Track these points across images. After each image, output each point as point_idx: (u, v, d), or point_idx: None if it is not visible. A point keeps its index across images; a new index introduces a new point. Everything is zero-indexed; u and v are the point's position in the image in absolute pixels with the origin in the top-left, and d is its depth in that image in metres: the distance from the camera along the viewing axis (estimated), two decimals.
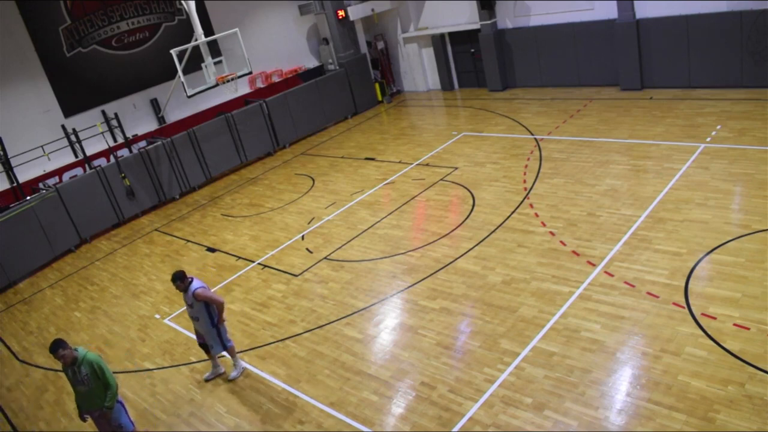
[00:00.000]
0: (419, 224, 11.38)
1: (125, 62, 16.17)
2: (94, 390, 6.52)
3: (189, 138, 16.15)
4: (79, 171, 15.35)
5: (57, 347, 6.44)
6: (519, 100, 17.36)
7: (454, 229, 10.80)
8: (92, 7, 15.37)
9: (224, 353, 8.22)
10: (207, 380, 8.26)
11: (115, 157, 15.19)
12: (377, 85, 20.68)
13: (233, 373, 8.18)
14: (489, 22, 17.81)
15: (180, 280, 7.69)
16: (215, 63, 15.36)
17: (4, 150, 13.87)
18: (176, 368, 8.78)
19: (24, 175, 14.43)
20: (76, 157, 15.37)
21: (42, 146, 14.63)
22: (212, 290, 7.91)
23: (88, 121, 15.48)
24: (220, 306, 7.76)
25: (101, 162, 15.55)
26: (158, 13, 16.68)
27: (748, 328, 6.76)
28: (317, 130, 19.24)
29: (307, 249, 11.41)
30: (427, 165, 14.12)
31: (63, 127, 15.08)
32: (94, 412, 6.72)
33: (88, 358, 6.48)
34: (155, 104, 16.81)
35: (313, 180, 15.05)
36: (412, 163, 14.47)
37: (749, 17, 13.16)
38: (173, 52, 14.15)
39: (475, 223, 10.82)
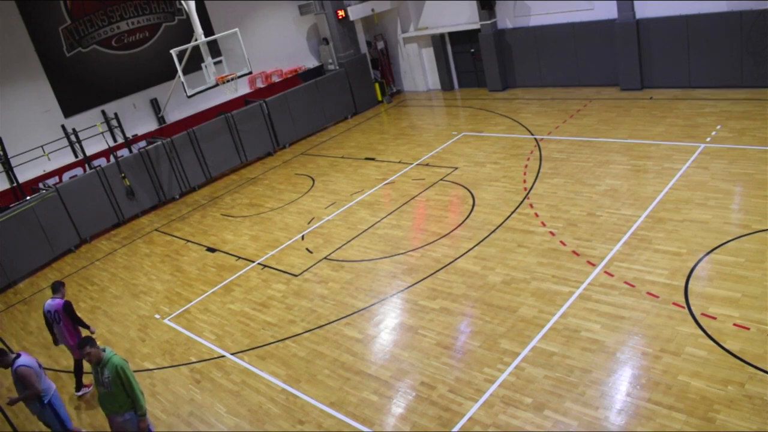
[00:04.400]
0: (419, 224, 11.38)
1: (125, 62, 16.17)
2: (113, 393, 6.43)
3: (189, 138, 16.14)
4: (79, 171, 15.35)
5: (84, 344, 6.33)
6: (519, 100, 17.36)
7: (454, 229, 10.79)
8: (92, 7, 15.37)
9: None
10: None
11: (115, 157, 15.18)
12: (377, 85, 20.68)
13: None
14: (489, 22, 17.80)
15: None
16: (215, 63, 15.36)
17: (4, 150, 13.87)
18: (176, 368, 8.79)
19: (24, 175, 14.43)
20: (76, 157, 15.37)
21: (42, 146, 14.63)
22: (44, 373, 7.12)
23: (88, 121, 15.49)
24: (33, 394, 6.86)
25: (101, 162, 15.55)
26: (158, 13, 16.68)
27: (748, 328, 6.76)
28: (317, 130, 19.24)
29: (307, 249, 11.41)
30: (427, 165, 14.11)
31: (63, 127, 15.08)
32: (112, 416, 6.62)
33: (112, 362, 6.37)
34: (155, 104, 16.81)
35: (313, 180, 15.05)
36: (412, 163, 14.46)
37: (749, 17, 13.16)
38: (173, 52, 14.14)
39: (475, 223, 10.82)
